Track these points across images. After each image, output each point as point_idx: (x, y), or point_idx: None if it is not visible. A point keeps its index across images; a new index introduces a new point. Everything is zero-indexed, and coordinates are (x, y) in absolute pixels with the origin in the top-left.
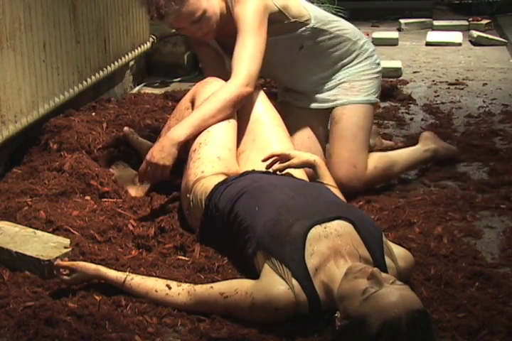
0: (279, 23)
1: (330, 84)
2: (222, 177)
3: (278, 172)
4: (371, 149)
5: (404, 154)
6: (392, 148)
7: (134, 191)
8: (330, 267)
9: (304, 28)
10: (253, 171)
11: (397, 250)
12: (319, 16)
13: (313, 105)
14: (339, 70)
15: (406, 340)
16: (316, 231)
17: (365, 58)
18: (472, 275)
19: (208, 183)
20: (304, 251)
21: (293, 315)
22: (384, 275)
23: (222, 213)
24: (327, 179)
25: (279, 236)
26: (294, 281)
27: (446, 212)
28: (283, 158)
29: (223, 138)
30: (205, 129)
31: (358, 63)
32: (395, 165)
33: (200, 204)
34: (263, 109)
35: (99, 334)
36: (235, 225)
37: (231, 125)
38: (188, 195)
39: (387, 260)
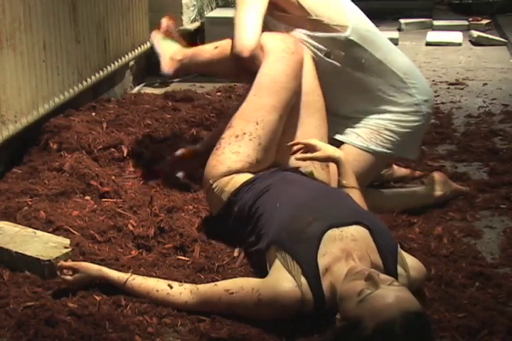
0: (295, 15)
1: (359, 121)
2: (251, 176)
3: (303, 167)
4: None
5: (399, 199)
6: (404, 178)
7: None
8: (339, 268)
9: (335, 34)
10: (282, 168)
11: (411, 261)
12: (361, 32)
13: (334, 135)
14: (373, 110)
15: None
16: (332, 233)
17: (410, 105)
18: (472, 275)
19: (237, 180)
20: (318, 250)
21: (297, 313)
22: (382, 276)
23: (244, 207)
24: (349, 178)
25: (295, 233)
26: (303, 279)
27: (446, 212)
28: (308, 148)
29: (269, 140)
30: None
31: (398, 108)
32: (381, 207)
33: (222, 195)
34: (315, 85)
35: (99, 334)
36: (253, 219)
37: (281, 126)
38: (211, 181)
39: (400, 269)
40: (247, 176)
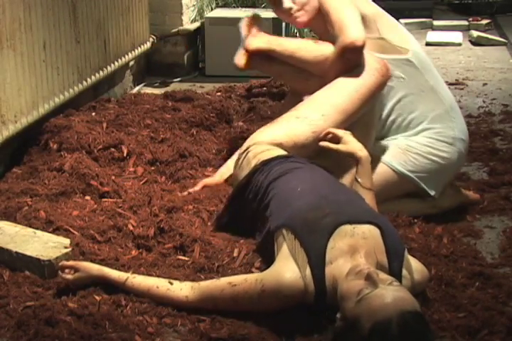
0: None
1: (391, 140)
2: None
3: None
4: None
5: (405, 205)
6: None
7: None
8: (343, 263)
9: (398, 55)
10: (316, 163)
11: (415, 264)
12: (420, 57)
13: None
14: (410, 133)
15: None
16: (344, 228)
17: (447, 137)
18: (472, 276)
19: (274, 152)
20: (327, 243)
21: (298, 303)
22: (382, 276)
23: (265, 180)
24: (366, 179)
25: (309, 222)
26: (308, 270)
27: (447, 212)
28: (335, 138)
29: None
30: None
31: (434, 135)
32: (386, 211)
33: (253, 160)
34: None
35: (99, 334)
36: (269, 195)
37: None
38: (248, 144)
39: (404, 272)
40: (282, 151)
